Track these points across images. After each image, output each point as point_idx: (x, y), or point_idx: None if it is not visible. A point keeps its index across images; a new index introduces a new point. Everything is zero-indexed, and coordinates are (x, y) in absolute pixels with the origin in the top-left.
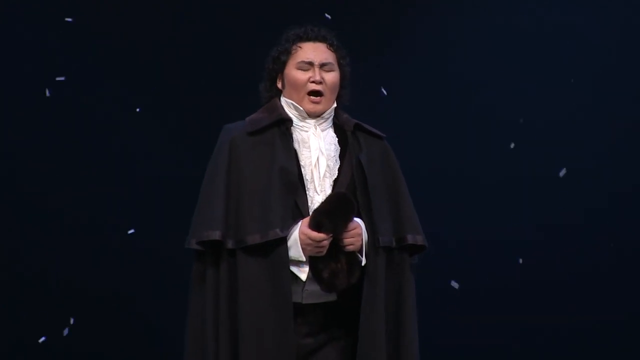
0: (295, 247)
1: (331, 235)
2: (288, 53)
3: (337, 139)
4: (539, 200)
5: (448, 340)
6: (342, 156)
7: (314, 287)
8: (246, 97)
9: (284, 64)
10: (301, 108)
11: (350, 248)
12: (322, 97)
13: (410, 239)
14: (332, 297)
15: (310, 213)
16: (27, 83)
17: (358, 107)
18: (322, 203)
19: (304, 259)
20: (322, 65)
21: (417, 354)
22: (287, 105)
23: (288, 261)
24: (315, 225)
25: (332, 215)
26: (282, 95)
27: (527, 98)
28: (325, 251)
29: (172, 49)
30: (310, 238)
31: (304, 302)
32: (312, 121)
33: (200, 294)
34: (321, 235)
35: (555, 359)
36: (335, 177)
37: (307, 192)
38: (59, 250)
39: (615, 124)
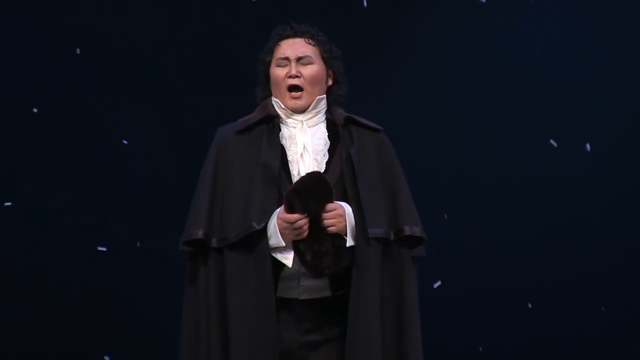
0: (274, 234)
1: (306, 215)
2: (271, 53)
3: (327, 133)
4: (539, 201)
5: (449, 342)
6: (332, 150)
7: (310, 282)
8: (246, 97)
9: (269, 64)
10: (283, 106)
11: (332, 229)
12: (302, 92)
13: (407, 230)
14: (327, 293)
15: None
16: (27, 82)
17: (358, 107)
18: (293, 184)
19: (283, 244)
20: (298, 59)
21: (420, 349)
22: (276, 103)
23: (268, 252)
24: (287, 206)
25: (302, 194)
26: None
27: (527, 98)
28: (305, 233)
29: (172, 48)
30: (284, 220)
31: (300, 297)
32: (299, 117)
33: (193, 294)
34: (294, 216)
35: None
36: (323, 171)
37: None
38: (58, 251)
39: (615, 124)
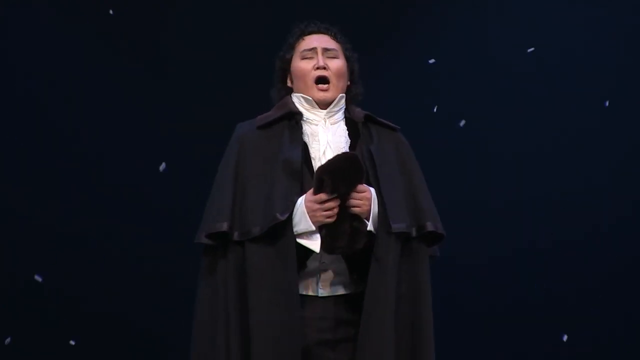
0: (303, 219)
1: (335, 195)
2: (292, 48)
3: (347, 131)
4: (548, 213)
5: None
6: (352, 148)
7: (329, 279)
8: (259, 96)
9: (289, 61)
10: (310, 98)
11: (355, 210)
12: (329, 84)
13: (430, 227)
14: (347, 290)
15: None
16: (37, 81)
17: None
18: (325, 162)
19: (313, 228)
20: (325, 51)
21: (433, 348)
22: (297, 99)
23: (293, 245)
24: (316, 183)
25: (333, 173)
26: (293, 92)
27: (531, 98)
28: (334, 217)
29: (184, 48)
30: (314, 201)
31: (320, 295)
32: (321, 113)
33: (209, 288)
34: (323, 196)
35: None
36: None
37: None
38: (59, 259)
39: (622, 136)
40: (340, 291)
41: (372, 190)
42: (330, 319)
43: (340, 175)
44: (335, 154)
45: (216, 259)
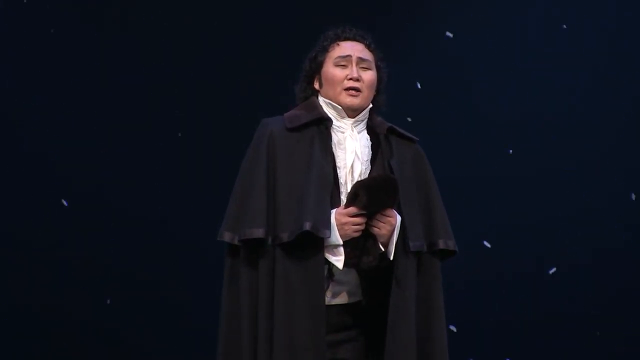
0: (333, 232)
1: (364, 212)
2: (325, 51)
3: (370, 142)
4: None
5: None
6: (372, 160)
7: (338, 289)
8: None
9: (321, 63)
10: (339, 106)
11: (374, 230)
12: (360, 93)
13: (442, 244)
14: (349, 299)
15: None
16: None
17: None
18: (366, 178)
19: (341, 242)
20: (359, 61)
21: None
22: (326, 104)
23: (323, 260)
24: (351, 196)
25: (371, 191)
26: (319, 95)
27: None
28: (361, 231)
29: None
30: (345, 214)
31: (328, 303)
32: (349, 122)
33: (236, 292)
34: (354, 209)
35: None
36: None
37: (340, 195)
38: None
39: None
40: (343, 300)
41: (399, 218)
42: (337, 326)
43: (376, 195)
44: (362, 164)
45: (243, 261)
